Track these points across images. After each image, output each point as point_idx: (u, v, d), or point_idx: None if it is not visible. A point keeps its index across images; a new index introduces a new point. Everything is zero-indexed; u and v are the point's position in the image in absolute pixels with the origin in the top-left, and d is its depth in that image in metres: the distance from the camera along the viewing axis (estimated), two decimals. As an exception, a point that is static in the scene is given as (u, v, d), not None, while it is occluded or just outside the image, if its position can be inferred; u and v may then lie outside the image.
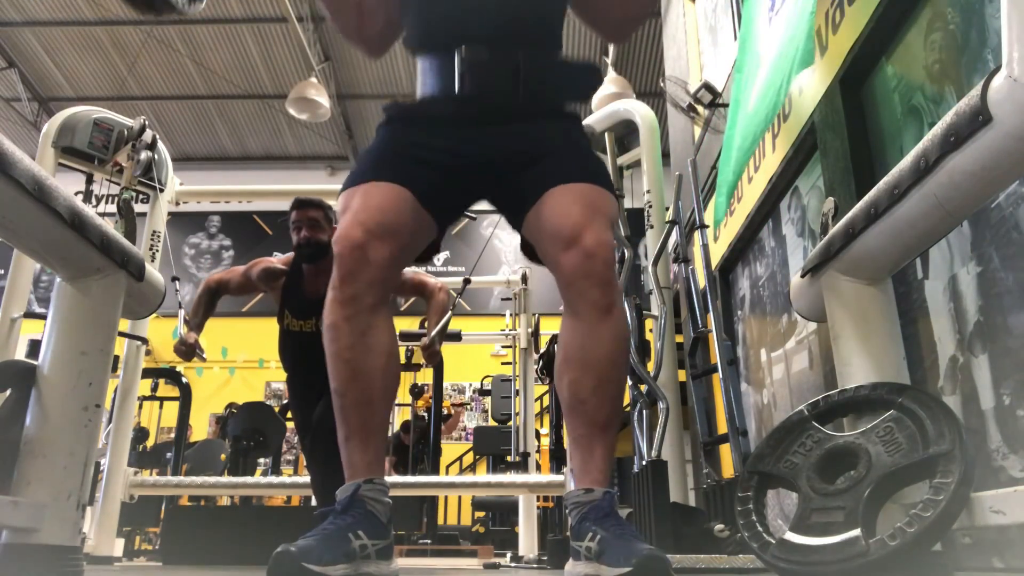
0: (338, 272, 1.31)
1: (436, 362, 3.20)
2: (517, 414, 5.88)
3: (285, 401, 7.12)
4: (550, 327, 5.39)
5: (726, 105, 4.42)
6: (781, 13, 2.84)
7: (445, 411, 7.79)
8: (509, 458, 6.38)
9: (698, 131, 5.41)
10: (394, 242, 1.33)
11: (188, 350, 3.03)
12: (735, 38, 4.32)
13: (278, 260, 3.11)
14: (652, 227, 3.52)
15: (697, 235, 3.17)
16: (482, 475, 7.68)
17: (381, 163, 1.41)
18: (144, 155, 3.80)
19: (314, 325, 2.98)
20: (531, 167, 1.41)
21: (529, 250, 1.49)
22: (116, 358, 2.95)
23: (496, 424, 7.84)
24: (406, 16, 1.58)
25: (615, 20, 1.65)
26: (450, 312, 3.27)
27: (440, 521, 7.40)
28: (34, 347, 6.22)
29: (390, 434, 7.48)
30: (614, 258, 1.34)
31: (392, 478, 4.98)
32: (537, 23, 1.50)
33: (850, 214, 1.51)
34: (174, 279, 3.94)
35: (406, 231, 1.36)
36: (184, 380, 7.65)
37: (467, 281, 4.27)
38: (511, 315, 6.28)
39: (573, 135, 1.48)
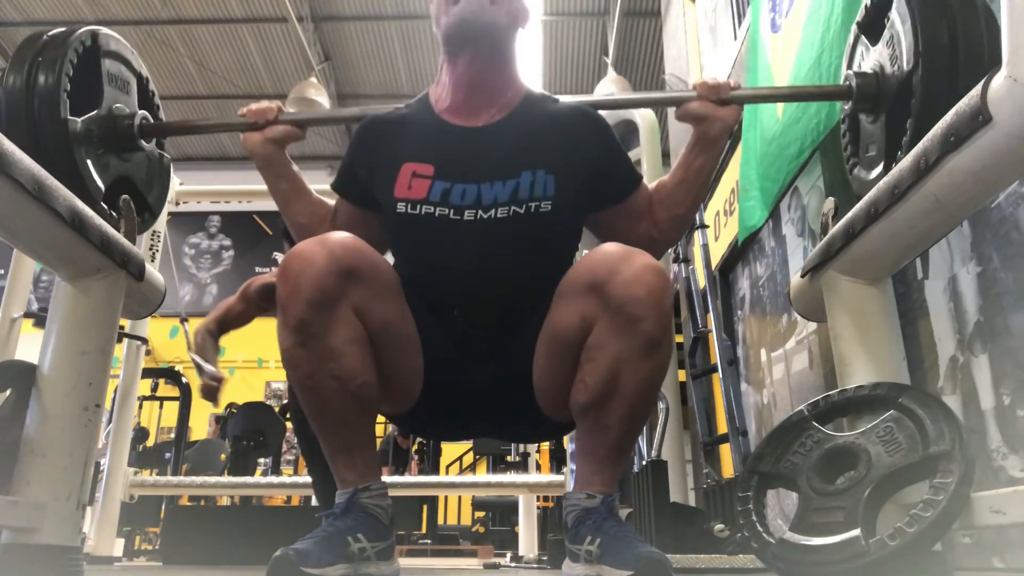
0: (280, 291, 1.19)
1: None
2: (517, 414, 5.86)
3: (285, 401, 7.11)
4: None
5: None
6: (798, 21, 2.81)
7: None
8: (509, 458, 6.38)
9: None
10: (351, 266, 1.21)
11: (219, 389, 2.82)
12: (735, 38, 4.32)
13: (271, 275, 3.00)
14: (652, 227, 3.51)
15: (697, 235, 3.17)
16: (482, 475, 7.68)
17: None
18: (144, 155, 3.79)
19: None
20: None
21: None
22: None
23: (496, 424, 7.82)
24: (393, 252, 1.46)
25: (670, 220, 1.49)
26: None
27: (440, 521, 7.41)
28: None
29: (385, 433, 7.47)
30: (671, 289, 1.20)
31: (392, 478, 4.98)
32: (549, 279, 1.32)
33: (850, 214, 1.51)
34: (183, 320, 3.80)
35: (374, 276, 1.26)
36: (184, 380, 7.64)
37: None
38: (511, 315, 6.26)
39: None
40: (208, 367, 2.83)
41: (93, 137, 1.49)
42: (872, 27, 1.56)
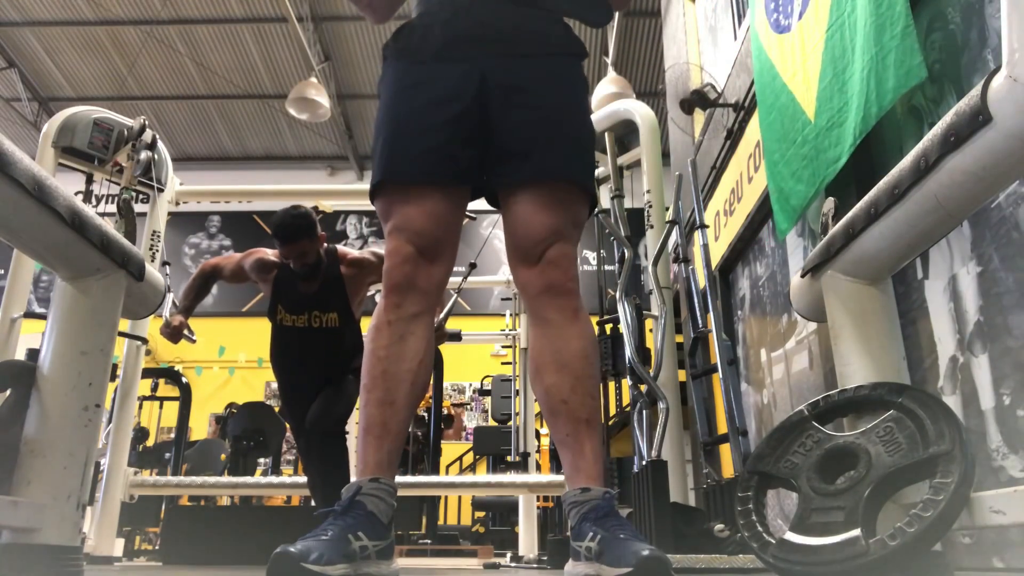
0: (387, 282, 1.36)
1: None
2: (517, 414, 5.88)
3: (279, 392, 7.10)
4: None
5: (726, 105, 4.42)
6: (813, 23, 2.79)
7: (445, 411, 7.79)
8: (509, 458, 6.38)
9: (698, 131, 5.41)
10: (441, 257, 1.38)
11: (174, 332, 2.97)
12: (735, 38, 4.32)
13: (273, 253, 3.05)
14: (652, 227, 3.52)
15: (697, 235, 3.17)
16: (482, 475, 7.68)
17: (405, 146, 1.38)
18: (144, 155, 3.81)
19: (307, 320, 2.95)
20: (511, 135, 1.38)
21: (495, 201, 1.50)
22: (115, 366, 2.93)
23: (496, 424, 7.84)
24: None
25: None
26: (450, 304, 3.26)
27: (440, 521, 7.40)
28: (32, 356, 6.21)
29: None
30: (576, 266, 1.39)
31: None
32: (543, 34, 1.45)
33: (850, 214, 1.51)
34: (164, 263, 3.94)
35: (452, 239, 1.41)
36: (184, 380, 7.65)
37: (472, 265, 4.22)
38: (511, 315, 6.28)
39: (568, 87, 1.45)
40: (170, 311, 3.03)
41: None
42: None
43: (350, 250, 3.05)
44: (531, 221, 1.36)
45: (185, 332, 3.02)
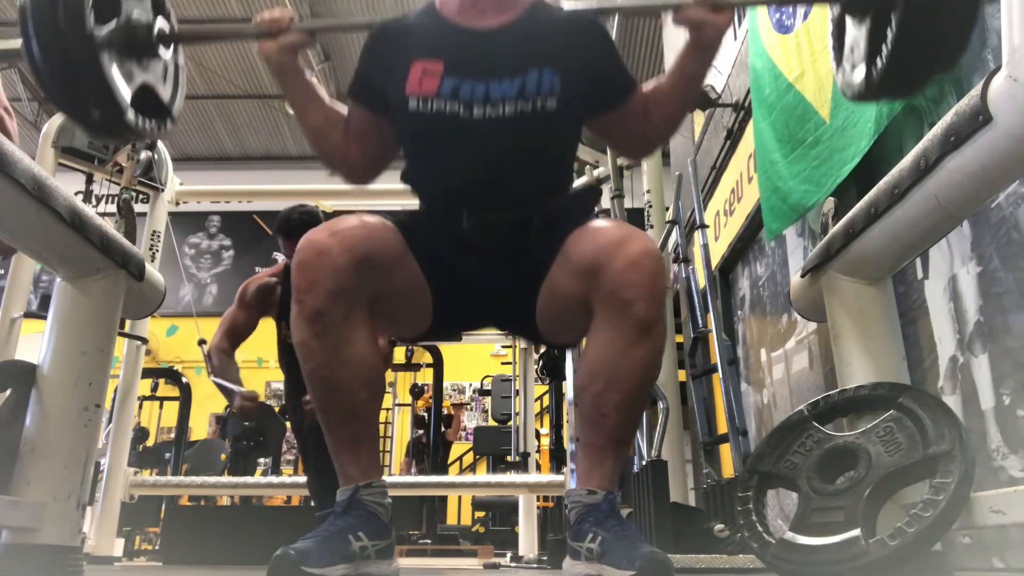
0: (298, 283, 1.22)
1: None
2: (517, 414, 5.88)
3: (285, 400, 7.11)
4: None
5: (726, 105, 4.42)
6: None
7: (445, 411, 7.79)
8: (509, 458, 6.38)
9: (698, 131, 5.41)
10: (364, 255, 1.24)
11: (254, 406, 2.79)
12: (735, 38, 4.32)
13: (265, 273, 2.97)
14: (652, 227, 3.52)
15: (697, 235, 3.17)
16: (482, 475, 7.68)
17: None
18: (144, 155, 3.81)
19: None
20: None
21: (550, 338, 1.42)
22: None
23: (496, 424, 7.84)
24: (404, 155, 1.48)
25: (666, 121, 1.54)
26: None
27: (441, 521, 7.41)
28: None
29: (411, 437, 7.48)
30: (664, 272, 1.23)
31: (392, 478, 4.98)
32: (553, 185, 1.43)
33: (850, 214, 1.51)
34: (201, 343, 3.57)
35: (384, 256, 1.29)
36: (184, 380, 7.65)
37: None
38: (511, 315, 6.26)
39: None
40: (237, 388, 2.78)
41: (116, 47, 1.47)
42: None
43: None
44: (597, 233, 1.29)
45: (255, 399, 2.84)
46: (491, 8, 1.44)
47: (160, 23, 1.62)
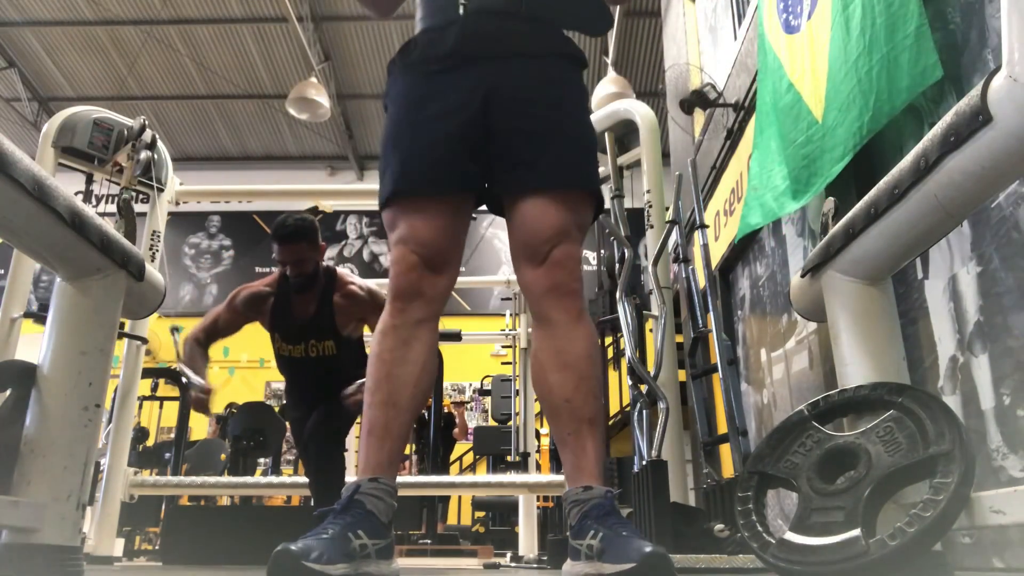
0: (393, 289, 1.37)
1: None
2: (517, 414, 5.88)
3: (284, 402, 7.11)
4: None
5: (726, 105, 4.42)
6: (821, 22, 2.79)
7: (447, 411, 7.80)
8: (509, 458, 6.39)
9: (698, 131, 5.41)
10: (446, 266, 1.40)
11: (209, 400, 2.77)
12: (735, 38, 4.32)
13: (260, 283, 2.97)
14: (652, 227, 3.51)
15: (697, 235, 3.17)
16: (482, 475, 7.68)
17: (411, 160, 1.40)
18: (144, 155, 3.80)
19: (303, 351, 2.87)
20: (517, 143, 1.39)
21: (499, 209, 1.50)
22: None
23: (496, 424, 7.84)
24: None
25: None
26: None
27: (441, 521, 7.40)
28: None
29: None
30: (580, 267, 1.39)
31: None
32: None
33: (850, 214, 1.51)
34: (173, 331, 3.73)
35: (457, 248, 1.42)
36: (184, 380, 7.63)
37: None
38: (511, 315, 6.28)
39: (570, 92, 1.46)
40: (196, 379, 2.78)
41: None
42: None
43: (349, 277, 2.95)
44: (537, 223, 1.36)
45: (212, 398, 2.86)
46: None
47: None
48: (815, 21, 2.82)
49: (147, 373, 5.98)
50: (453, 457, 8.81)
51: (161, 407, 8.31)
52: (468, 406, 10.19)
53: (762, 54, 3.32)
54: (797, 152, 2.84)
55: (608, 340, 5.93)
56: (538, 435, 6.53)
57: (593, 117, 3.79)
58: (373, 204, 1.52)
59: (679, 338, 4.02)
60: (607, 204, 3.62)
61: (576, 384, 1.33)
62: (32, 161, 1.25)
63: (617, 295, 3.20)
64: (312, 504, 3.31)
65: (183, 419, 6.84)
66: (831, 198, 1.75)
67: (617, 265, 3.40)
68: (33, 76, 10.27)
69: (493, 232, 10.19)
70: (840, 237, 1.54)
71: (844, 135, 2.48)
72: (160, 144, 4.05)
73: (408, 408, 1.34)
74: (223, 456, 6.94)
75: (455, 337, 5.95)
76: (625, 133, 3.80)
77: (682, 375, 3.51)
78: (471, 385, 10.12)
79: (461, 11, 1.41)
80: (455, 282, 1.45)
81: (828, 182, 2.58)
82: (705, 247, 3.12)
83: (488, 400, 8.83)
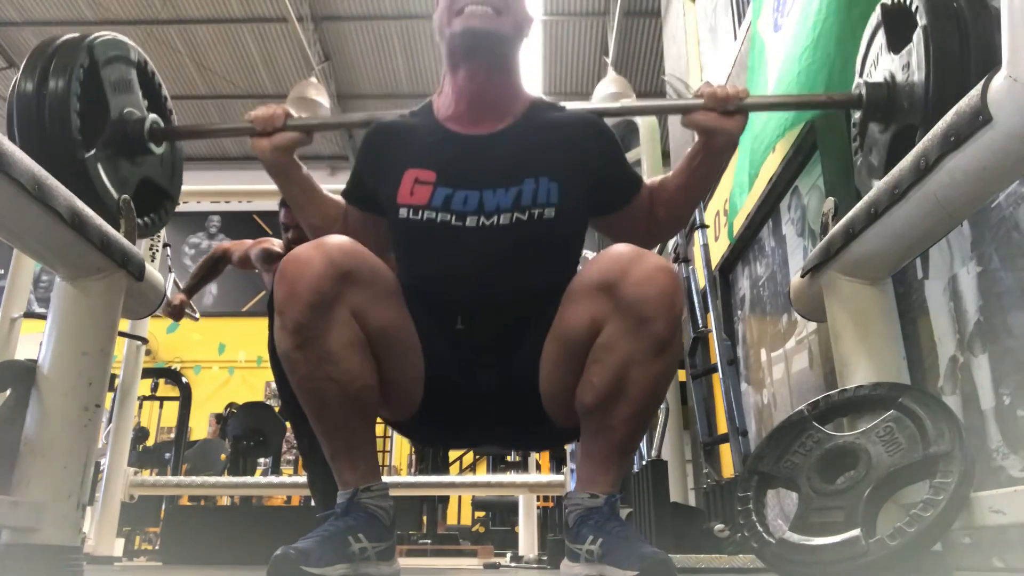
0: (278, 294, 1.21)
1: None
2: (517, 414, 5.85)
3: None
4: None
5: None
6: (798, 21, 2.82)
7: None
8: (509, 458, 6.39)
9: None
10: (348, 269, 1.21)
11: (176, 309, 3.04)
12: (735, 38, 4.32)
13: (279, 245, 3.10)
14: (652, 227, 3.51)
15: (697, 235, 3.17)
16: (482, 475, 7.67)
17: None
18: (144, 155, 3.80)
19: None
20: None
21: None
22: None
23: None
24: (396, 258, 1.44)
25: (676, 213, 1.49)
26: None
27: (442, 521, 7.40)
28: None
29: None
30: (681, 289, 1.20)
31: (393, 478, 4.98)
32: (553, 284, 1.31)
33: (850, 214, 1.51)
34: (165, 245, 4.00)
35: (372, 279, 1.26)
36: (184, 380, 7.65)
37: None
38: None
39: None
40: (179, 294, 3.13)
41: (105, 147, 1.50)
42: (891, 33, 1.54)
43: None
44: (603, 265, 1.24)
45: (187, 310, 3.07)
46: (487, 114, 1.39)
47: (151, 121, 1.62)
48: (788, 19, 2.86)
49: (147, 373, 5.98)
50: (453, 457, 8.81)
51: (161, 407, 8.32)
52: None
53: (752, 52, 3.33)
54: (747, 149, 2.91)
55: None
56: (538, 435, 6.51)
57: (593, 117, 3.79)
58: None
59: (679, 338, 4.02)
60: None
61: (627, 417, 1.21)
62: (32, 161, 1.25)
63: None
64: (313, 505, 3.32)
65: (183, 419, 6.85)
66: (831, 198, 1.75)
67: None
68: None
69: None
70: (840, 237, 1.53)
71: (774, 127, 2.53)
72: (160, 144, 4.05)
73: (361, 419, 1.26)
74: (223, 456, 6.94)
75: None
76: (625, 133, 3.80)
77: (682, 375, 3.51)
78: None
79: (459, 326, 1.33)
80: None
81: (756, 174, 2.64)
82: (705, 247, 3.12)
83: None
